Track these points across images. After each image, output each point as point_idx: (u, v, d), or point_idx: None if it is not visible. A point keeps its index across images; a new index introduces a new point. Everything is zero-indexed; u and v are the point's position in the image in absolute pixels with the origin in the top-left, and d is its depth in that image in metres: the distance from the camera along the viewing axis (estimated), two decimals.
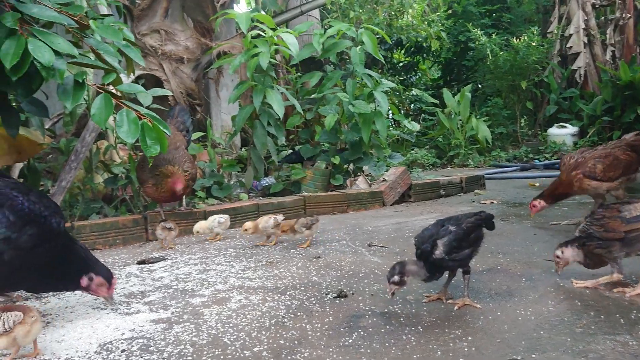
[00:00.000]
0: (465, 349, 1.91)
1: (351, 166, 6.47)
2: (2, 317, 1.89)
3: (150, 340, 2.08)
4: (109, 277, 2.36)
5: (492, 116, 12.43)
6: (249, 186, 5.80)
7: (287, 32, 5.47)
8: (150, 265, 3.32)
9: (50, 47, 2.85)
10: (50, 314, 2.43)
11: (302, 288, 2.70)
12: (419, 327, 2.13)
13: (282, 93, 5.62)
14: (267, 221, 3.70)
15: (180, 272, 3.12)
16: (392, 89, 6.95)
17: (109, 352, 1.98)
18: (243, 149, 7.73)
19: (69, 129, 5.15)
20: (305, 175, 5.94)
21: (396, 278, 2.21)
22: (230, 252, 3.60)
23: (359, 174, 6.34)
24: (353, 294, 2.58)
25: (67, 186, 4.05)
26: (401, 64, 16.23)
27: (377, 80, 6.25)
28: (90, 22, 3.54)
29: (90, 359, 1.93)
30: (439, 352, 1.89)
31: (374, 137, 6.27)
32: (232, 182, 5.98)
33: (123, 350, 1.99)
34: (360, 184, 5.87)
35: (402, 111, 12.85)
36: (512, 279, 2.70)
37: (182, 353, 1.95)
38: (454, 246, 2.25)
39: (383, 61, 11.14)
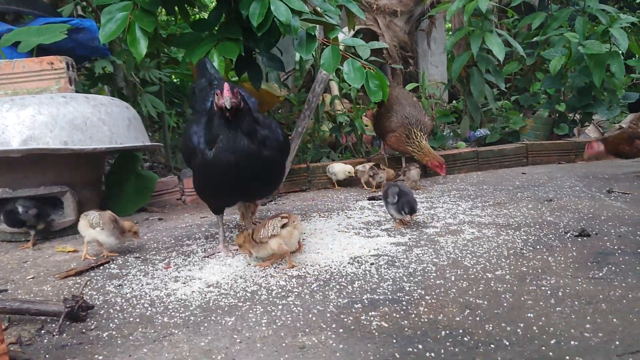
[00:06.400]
0: None
1: (577, 115, 5.91)
2: (271, 223, 2.24)
3: (394, 258, 2.27)
4: None
5: None
6: (463, 136, 5.73)
7: None
8: (379, 201, 3.57)
9: (287, 5, 3.21)
10: (305, 233, 2.81)
11: (537, 226, 2.64)
12: None
13: (501, 37, 5.33)
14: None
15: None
16: (632, 23, 6.03)
17: (360, 264, 2.23)
18: (454, 101, 7.59)
19: (299, 83, 5.69)
20: (525, 124, 5.62)
21: None
22: (453, 194, 3.65)
23: (586, 122, 5.76)
24: (596, 234, 2.44)
25: (302, 132, 4.52)
26: (638, 1, 13.91)
27: (613, 16, 5.53)
28: None
29: (345, 267, 2.20)
30: None
31: (608, 80, 5.59)
32: (444, 133, 5.96)
33: (372, 264, 2.22)
34: (590, 133, 5.35)
35: None
36: None
37: (426, 270, 2.10)
38: None
39: None
